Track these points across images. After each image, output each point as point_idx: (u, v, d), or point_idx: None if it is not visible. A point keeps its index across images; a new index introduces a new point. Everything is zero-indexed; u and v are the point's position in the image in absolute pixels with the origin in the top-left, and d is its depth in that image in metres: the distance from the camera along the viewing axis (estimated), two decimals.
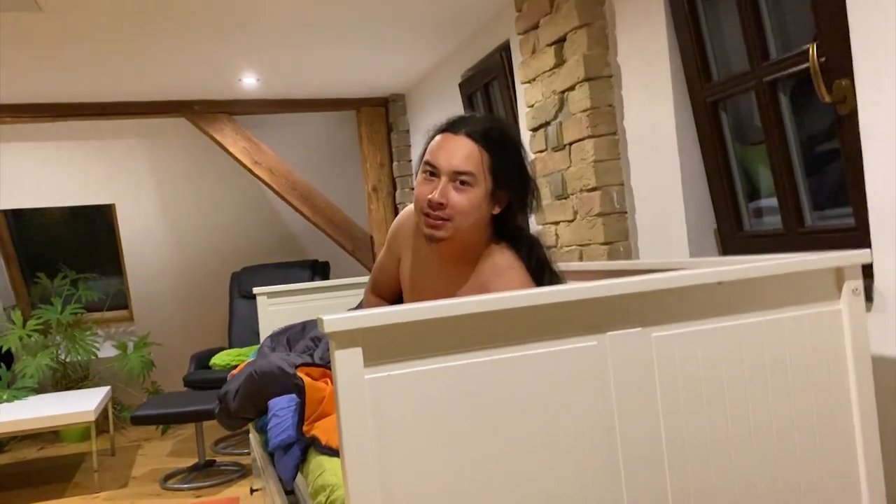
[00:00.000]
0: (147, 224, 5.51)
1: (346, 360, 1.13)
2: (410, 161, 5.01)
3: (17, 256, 5.69)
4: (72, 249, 5.95)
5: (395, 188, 5.10)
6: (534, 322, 1.21)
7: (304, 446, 1.82)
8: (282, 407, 1.97)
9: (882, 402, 1.48)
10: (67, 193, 5.28)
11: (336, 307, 3.34)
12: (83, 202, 5.37)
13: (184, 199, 5.50)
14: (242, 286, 5.31)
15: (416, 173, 1.86)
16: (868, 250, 1.40)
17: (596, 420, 1.23)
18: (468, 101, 3.85)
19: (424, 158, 1.83)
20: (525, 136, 2.88)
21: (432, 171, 1.79)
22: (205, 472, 4.12)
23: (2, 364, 5.08)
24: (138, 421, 3.91)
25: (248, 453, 4.46)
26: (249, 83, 4.31)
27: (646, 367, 1.26)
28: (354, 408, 1.13)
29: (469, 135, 1.77)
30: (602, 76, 2.51)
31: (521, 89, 3.11)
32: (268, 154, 4.78)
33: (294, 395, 2.05)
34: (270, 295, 3.34)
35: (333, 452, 1.65)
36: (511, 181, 1.76)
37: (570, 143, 2.62)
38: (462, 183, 1.73)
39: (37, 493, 4.09)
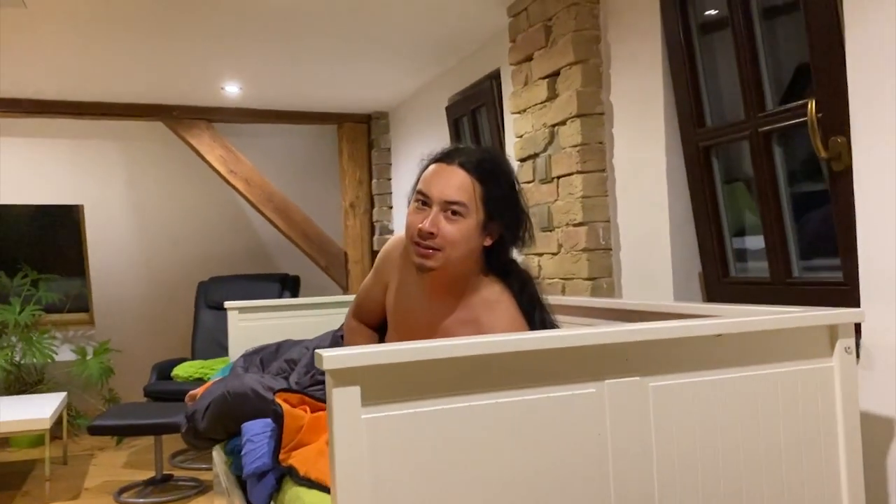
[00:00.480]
0: (115, 227, 5.39)
1: (344, 399, 1.10)
2: (390, 179, 4.99)
3: None
4: (33, 248, 5.78)
5: (372, 206, 5.07)
6: (535, 366, 1.20)
7: (279, 475, 1.77)
8: (256, 433, 1.91)
9: (867, 459, 1.49)
10: (35, 192, 5.14)
11: (310, 326, 3.29)
12: (51, 201, 5.23)
13: (154, 204, 5.39)
14: (209, 296, 5.21)
15: (409, 201, 1.84)
16: (861, 309, 1.42)
17: (591, 466, 1.21)
18: (454, 125, 3.85)
19: (417, 187, 1.81)
20: (513, 165, 2.88)
21: (424, 201, 1.78)
22: (161, 486, 4.00)
23: None
24: (96, 431, 3.79)
25: (208, 469, 4.35)
26: (232, 91, 4.26)
27: (642, 416, 1.26)
28: (349, 447, 1.10)
29: (462, 165, 1.75)
30: (594, 113, 2.52)
31: (509, 119, 3.12)
32: (245, 164, 4.71)
33: (269, 421, 2.00)
34: (242, 310, 3.27)
35: (312, 484, 1.61)
36: (503, 213, 1.75)
37: (559, 177, 2.62)
38: (454, 213, 1.72)
39: None
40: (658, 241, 2.29)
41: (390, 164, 4.98)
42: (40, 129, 4.92)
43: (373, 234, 5.06)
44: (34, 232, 5.88)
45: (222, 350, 5.05)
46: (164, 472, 4.07)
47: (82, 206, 5.23)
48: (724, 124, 2.11)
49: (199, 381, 4.60)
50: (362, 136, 5.02)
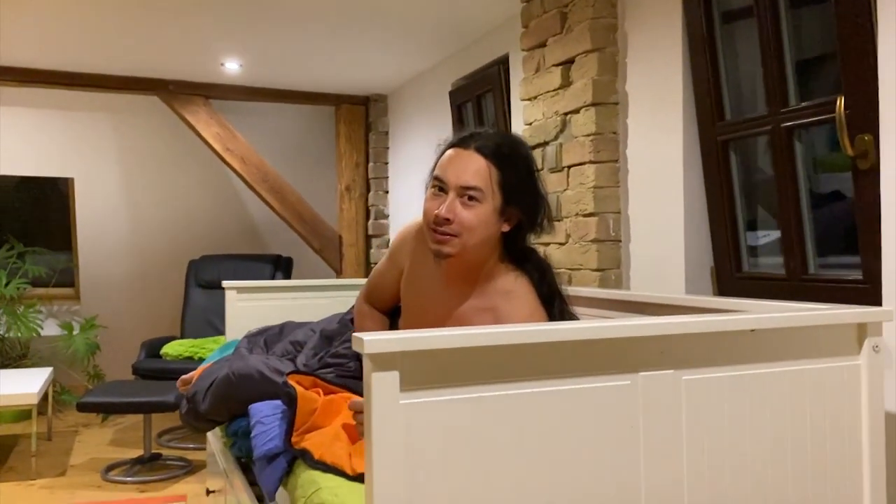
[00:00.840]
0: (105, 202, 5.30)
1: (382, 384, 1.08)
2: (387, 163, 4.95)
3: None
4: (18, 220, 5.68)
5: (368, 189, 5.02)
6: (571, 356, 1.18)
7: (290, 458, 1.74)
8: (266, 414, 1.88)
9: (891, 458, 1.50)
10: (25, 163, 5.04)
11: (308, 309, 3.26)
12: (41, 173, 5.13)
13: (146, 179, 5.31)
14: (200, 275, 5.15)
15: (427, 187, 1.81)
16: (892, 308, 1.42)
17: (622, 457, 1.20)
18: (457, 110, 3.82)
19: (434, 173, 1.79)
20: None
21: (441, 186, 1.76)
22: (149, 465, 3.96)
23: None
24: (85, 408, 3.73)
25: (195, 448, 4.32)
26: (231, 68, 4.19)
27: (675, 409, 1.25)
28: (386, 432, 1.08)
29: (479, 150, 1.73)
30: (609, 102, 2.50)
31: (518, 105, 3.09)
32: (241, 142, 4.65)
33: (278, 403, 1.98)
34: (240, 290, 3.23)
35: (327, 468, 1.58)
36: (521, 198, 1.72)
37: (570, 166, 2.60)
38: (470, 198, 1.70)
39: None
40: (671, 234, 2.28)
41: (387, 148, 4.94)
42: (31, 98, 4.82)
43: (368, 218, 5.03)
44: (17, 204, 5.77)
45: (212, 329, 5.00)
46: (153, 451, 4.03)
47: (72, 178, 5.14)
48: (744, 118, 2.10)
49: (189, 359, 4.55)
50: (360, 118, 4.97)
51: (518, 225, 1.75)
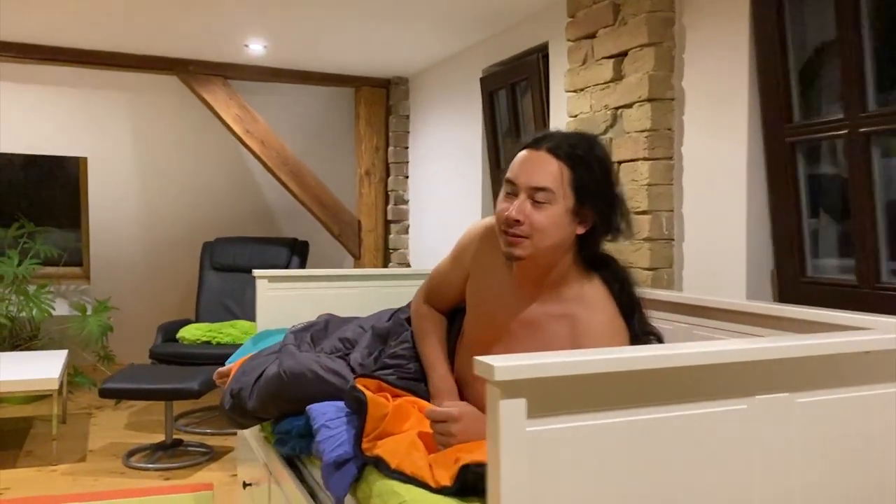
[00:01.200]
0: (118, 182, 5.21)
1: (510, 412, 1.04)
2: (407, 148, 4.88)
3: None
4: (25, 199, 5.58)
5: (388, 174, 4.95)
6: (691, 380, 1.15)
7: (360, 465, 1.71)
8: (331, 418, 1.84)
9: None
10: (38, 142, 4.93)
11: (342, 299, 3.21)
12: (54, 152, 5.03)
13: (161, 160, 5.22)
14: (215, 258, 5.08)
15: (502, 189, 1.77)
16: None
17: (738, 481, 1.18)
18: (488, 97, 3.75)
19: (506, 175, 1.75)
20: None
21: (512, 188, 1.72)
22: (170, 451, 3.93)
23: None
24: (107, 394, 3.69)
25: (213, 434, 4.28)
26: (256, 49, 4.09)
27: (790, 433, 1.22)
28: (513, 462, 1.04)
29: (550, 150, 1.69)
30: (664, 98, 2.45)
31: (560, 96, 3.03)
32: (261, 124, 4.56)
33: (338, 404, 1.94)
34: (271, 279, 3.18)
35: (406, 479, 1.54)
36: (595, 199, 1.67)
37: (620, 162, 2.56)
38: (541, 200, 1.66)
39: None
40: (730, 236, 2.25)
41: (408, 132, 4.87)
42: (46, 76, 4.70)
43: (387, 203, 4.96)
44: (24, 183, 5.67)
45: (228, 313, 4.95)
46: (174, 437, 4.00)
47: (85, 158, 5.04)
48: (817, 121, 2.05)
49: (207, 344, 4.51)
50: (380, 101, 4.89)
51: (593, 228, 1.71)
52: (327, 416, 1.86)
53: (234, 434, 4.28)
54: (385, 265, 4.97)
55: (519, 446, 1.04)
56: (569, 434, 1.07)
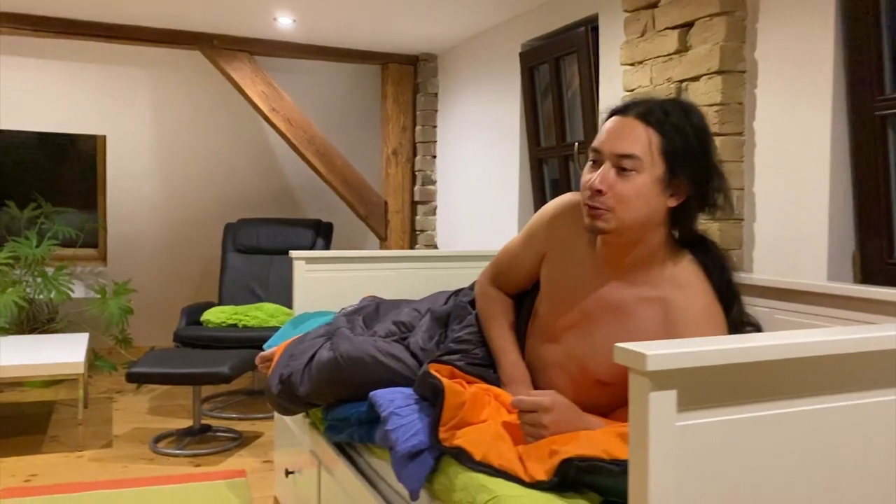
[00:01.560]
0: (137, 161, 5.08)
1: (660, 404, 0.93)
2: (436, 127, 4.75)
3: None
4: (39, 179, 5.46)
5: (415, 154, 4.83)
6: (846, 368, 1.04)
7: (437, 455, 1.60)
8: (400, 405, 1.73)
9: None
10: (57, 119, 4.80)
11: (383, 280, 3.11)
12: (73, 130, 4.90)
13: (182, 139, 5.08)
14: (238, 239, 4.96)
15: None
16: None
17: (890, 473, 1.08)
18: (529, 72, 3.62)
19: (592, 144, 1.63)
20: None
21: (597, 156, 1.60)
22: (198, 437, 3.83)
23: None
24: (136, 379, 3.58)
25: (239, 419, 4.19)
26: (284, 23, 3.95)
27: None
28: (661, 457, 0.93)
29: (639, 115, 1.57)
30: (735, 70, 2.32)
31: (612, 70, 2.90)
32: (287, 102, 4.43)
33: (404, 391, 1.83)
34: (309, 260, 3.07)
35: (495, 472, 1.43)
36: (689, 168, 1.54)
37: None
38: (626, 168, 1.54)
39: (9, 444, 3.73)
40: (811, 216, 2.13)
41: (437, 111, 4.73)
42: (65, 51, 4.56)
43: (414, 183, 4.84)
44: (37, 162, 5.55)
45: (252, 296, 4.85)
46: (202, 423, 3.90)
47: (104, 136, 4.91)
48: None
49: (233, 327, 4.40)
50: (408, 78, 4.75)
51: (687, 201, 1.59)
52: (396, 403, 1.75)
53: (263, 419, 4.19)
54: (411, 247, 4.86)
55: (668, 443, 0.94)
56: (720, 428, 0.97)
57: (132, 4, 3.71)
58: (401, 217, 4.78)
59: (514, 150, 3.80)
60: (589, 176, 1.60)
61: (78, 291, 5.18)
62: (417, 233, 4.85)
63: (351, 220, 5.13)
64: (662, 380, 0.92)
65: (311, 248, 4.80)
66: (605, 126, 1.62)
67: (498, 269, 1.93)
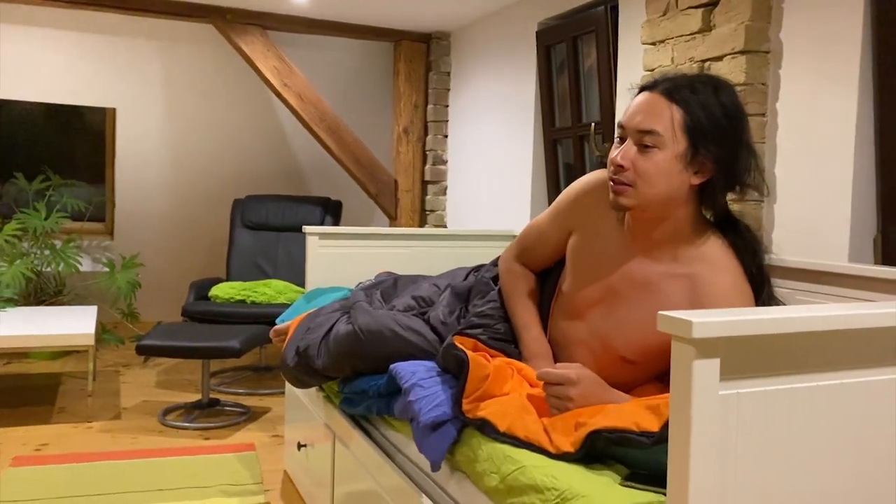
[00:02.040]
0: (146, 135, 5.06)
1: (703, 373, 0.93)
2: (447, 106, 4.73)
3: None
4: (47, 151, 5.44)
5: (426, 133, 4.81)
6: (885, 341, 1.04)
7: (459, 427, 1.61)
8: (423, 377, 1.74)
9: None
10: (66, 90, 4.77)
11: (395, 258, 3.11)
12: (82, 102, 4.87)
13: (191, 113, 5.06)
14: (247, 216, 4.95)
15: None
16: None
17: None
18: (545, 51, 3.59)
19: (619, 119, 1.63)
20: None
21: (622, 132, 1.61)
22: (207, 411, 3.85)
23: None
24: (145, 351, 3.59)
25: (246, 393, 4.21)
26: None
27: None
28: (704, 427, 0.93)
29: (664, 91, 1.56)
30: (760, 51, 2.31)
31: (633, 50, 2.88)
32: (299, 77, 4.40)
33: (426, 363, 1.84)
34: (322, 236, 3.06)
35: (520, 443, 1.44)
36: (713, 145, 1.52)
37: None
38: (648, 144, 1.54)
39: (18, 414, 3.75)
40: (834, 198, 2.12)
41: (449, 90, 4.71)
42: (74, 22, 4.52)
43: (425, 162, 4.82)
44: (44, 134, 5.53)
45: (260, 272, 4.84)
46: (211, 397, 3.91)
47: (114, 109, 4.89)
48: None
49: (241, 303, 4.40)
50: (420, 56, 4.72)
51: (712, 179, 1.58)
52: (418, 375, 1.75)
53: (270, 394, 4.20)
54: (421, 226, 4.85)
55: (711, 412, 0.94)
56: (761, 399, 0.97)
57: None
58: (411, 196, 4.77)
59: (528, 131, 3.79)
60: (613, 152, 1.60)
61: (84, 265, 5.18)
62: (427, 212, 4.84)
63: (358, 198, 5.11)
64: (707, 348, 0.92)
65: (321, 224, 4.80)
66: (632, 102, 1.61)
67: (523, 244, 1.93)
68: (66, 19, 4.35)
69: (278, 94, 4.38)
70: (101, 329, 4.98)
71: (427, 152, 4.79)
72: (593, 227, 1.73)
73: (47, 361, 4.82)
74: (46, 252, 4.81)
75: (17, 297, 4.41)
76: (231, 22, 4.23)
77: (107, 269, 4.86)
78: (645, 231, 1.63)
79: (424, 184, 4.83)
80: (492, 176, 4.17)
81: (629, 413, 1.33)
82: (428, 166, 4.80)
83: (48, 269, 4.86)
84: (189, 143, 5.17)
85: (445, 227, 4.72)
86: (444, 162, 4.76)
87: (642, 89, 1.63)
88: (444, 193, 4.76)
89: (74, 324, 3.85)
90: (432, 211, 4.80)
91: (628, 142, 1.57)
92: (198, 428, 3.64)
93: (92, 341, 3.67)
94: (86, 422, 3.68)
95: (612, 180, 1.59)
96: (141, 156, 5.12)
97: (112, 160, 5.15)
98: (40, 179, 5.00)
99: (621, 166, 1.56)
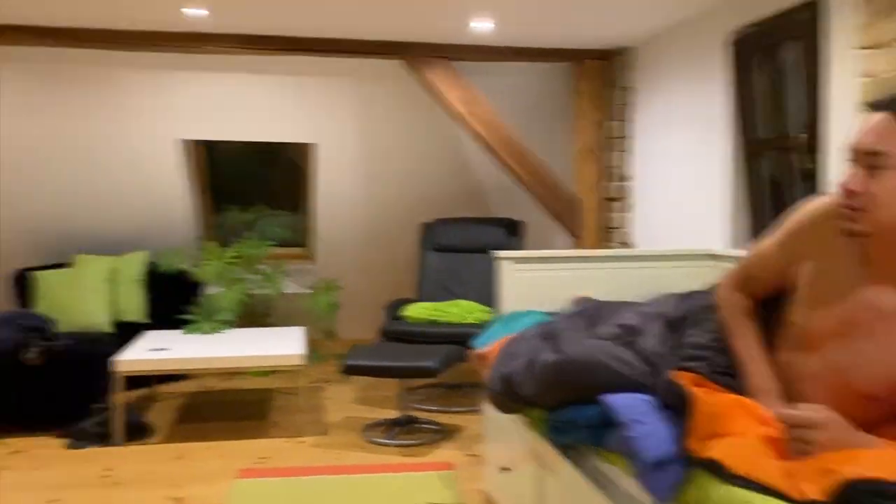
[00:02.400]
0: (343, 167, 5.41)
1: None
2: (631, 122, 4.64)
3: (209, 187, 5.74)
4: (251, 184, 5.97)
5: (609, 150, 4.74)
6: None
7: (685, 465, 1.56)
8: (642, 412, 1.71)
9: None
10: (270, 130, 5.22)
11: (591, 280, 3.08)
12: (286, 139, 5.31)
13: (382, 144, 5.35)
14: (435, 239, 5.15)
15: None
16: None
17: None
18: (741, 62, 3.43)
19: None
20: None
21: (853, 155, 1.51)
22: (406, 428, 4.02)
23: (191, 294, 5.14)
24: (352, 371, 3.82)
25: (440, 411, 4.34)
26: (484, 27, 4.02)
27: None
28: None
29: (892, 109, 1.45)
30: None
31: (842, 54, 2.69)
32: (484, 105, 4.52)
33: (641, 396, 1.81)
34: (517, 260, 3.11)
35: (759, 488, 1.37)
36: None
37: None
38: (876, 165, 1.44)
39: (235, 428, 4.10)
40: None
41: (632, 105, 4.61)
42: (272, 66, 4.91)
43: (608, 180, 4.76)
44: (248, 169, 6.07)
45: (448, 293, 5.01)
46: (408, 415, 4.08)
47: (315, 144, 5.28)
48: None
49: (433, 322, 4.57)
50: (601, 73, 4.67)
51: None
52: (637, 409, 1.73)
53: (463, 412, 4.31)
54: (604, 244, 4.79)
55: None
56: None
57: (333, 18, 3.91)
58: (594, 215, 4.72)
59: (722, 144, 3.63)
60: (845, 177, 1.52)
61: (290, 288, 5.62)
62: (611, 231, 4.77)
63: (538, 217, 5.14)
64: None
65: (506, 246, 4.87)
66: (861, 123, 1.52)
67: (746, 273, 1.86)
68: (266, 63, 4.74)
69: (466, 123, 4.51)
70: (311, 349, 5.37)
71: (610, 169, 4.73)
72: (827, 254, 1.63)
73: (259, 378, 5.25)
74: (258, 277, 5.27)
75: (234, 319, 4.85)
76: (419, 56, 4.42)
77: (308, 292, 5.23)
78: (885, 258, 1.52)
79: (607, 201, 4.77)
80: (682, 192, 4.03)
81: (889, 461, 1.23)
82: (611, 183, 4.73)
83: (259, 293, 5.31)
84: (380, 172, 5.46)
85: (630, 244, 4.62)
86: (628, 178, 4.67)
87: (872, 108, 1.53)
88: (629, 210, 4.67)
89: (286, 344, 4.17)
90: (617, 229, 4.72)
91: (857, 165, 1.49)
92: (398, 445, 3.81)
93: (303, 360, 3.96)
94: (297, 436, 3.97)
95: (843, 206, 1.51)
96: (337, 185, 5.48)
97: (313, 191, 5.55)
98: (251, 210, 5.50)
99: (852, 191, 1.48)
